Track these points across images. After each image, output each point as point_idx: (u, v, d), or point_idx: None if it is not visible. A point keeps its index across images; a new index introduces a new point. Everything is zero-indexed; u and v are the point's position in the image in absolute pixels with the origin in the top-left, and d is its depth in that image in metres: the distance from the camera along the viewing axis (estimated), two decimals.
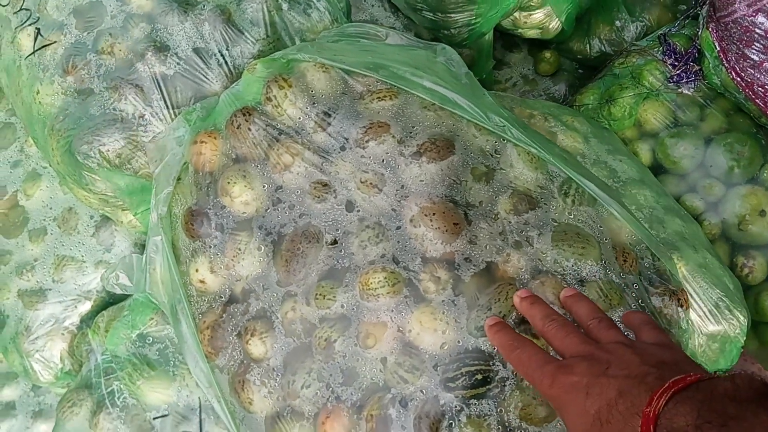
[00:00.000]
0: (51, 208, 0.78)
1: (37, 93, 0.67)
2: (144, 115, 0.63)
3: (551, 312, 0.44)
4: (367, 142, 0.53)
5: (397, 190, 0.52)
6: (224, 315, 0.53)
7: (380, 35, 0.66)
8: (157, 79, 0.64)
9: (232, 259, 0.53)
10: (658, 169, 0.86)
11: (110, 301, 0.75)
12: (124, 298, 0.75)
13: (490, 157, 0.54)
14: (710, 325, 0.68)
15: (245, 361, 0.52)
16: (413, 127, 0.54)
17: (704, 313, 0.68)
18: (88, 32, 0.66)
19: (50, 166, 0.73)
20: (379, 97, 0.56)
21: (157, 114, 0.64)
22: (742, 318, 0.68)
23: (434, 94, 0.56)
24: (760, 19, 0.75)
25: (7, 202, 0.79)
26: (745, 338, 0.70)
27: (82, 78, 0.65)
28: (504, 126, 0.55)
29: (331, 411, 0.48)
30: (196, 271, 0.54)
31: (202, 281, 0.54)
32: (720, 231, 0.82)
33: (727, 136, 0.83)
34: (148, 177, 0.65)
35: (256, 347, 0.51)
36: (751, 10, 0.76)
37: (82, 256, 0.76)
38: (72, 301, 0.74)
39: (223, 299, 0.54)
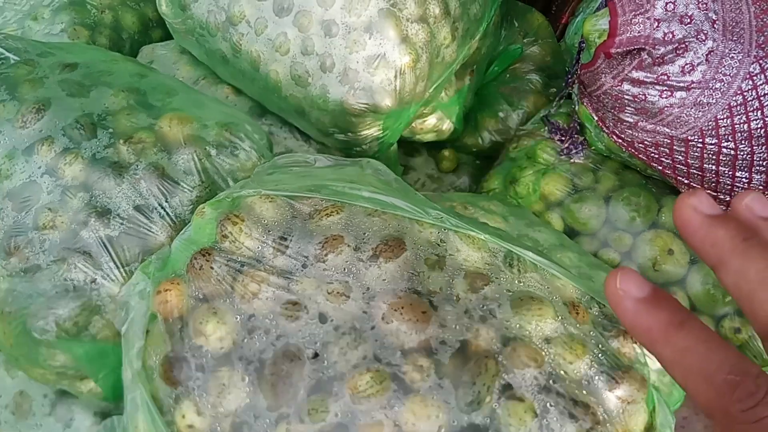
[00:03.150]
0: (0, 396, 0.75)
1: None
2: (95, 279, 0.64)
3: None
4: (326, 255, 0.57)
5: (363, 293, 0.55)
6: None
7: (309, 161, 0.72)
8: (103, 242, 0.65)
9: (218, 396, 0.54)
10: (571, 232, 0.94)
11: None
12: None
13: (437, 246, 0.60)
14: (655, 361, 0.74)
15: None
16: (364, 233, 0.59)
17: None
18: (26, 212, 0.67)
19: None
20: (326, 214, 0.60)
21: (107, 276, 0.65)
22: None
23: (374, 201, 0.61)
24: (626, 87, 0.87)
25: None
26: None
27: (26, 257, 0.65)
28: (442, 217, 0.61)
29: None
30: (183, 417, 0.54)
31: (190, 426, 0.54)
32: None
33: (622, 191, 0.94)
34: (107, 339, 0.65)
35: None
36: (616, 81, 0.88)
37: None
38: None
39: None
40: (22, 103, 0.75)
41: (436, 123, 1.15)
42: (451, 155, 1.23)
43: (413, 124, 1.12)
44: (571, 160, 0.98)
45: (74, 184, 0.69)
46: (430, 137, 1.17)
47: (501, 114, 1.22)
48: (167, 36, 1.15)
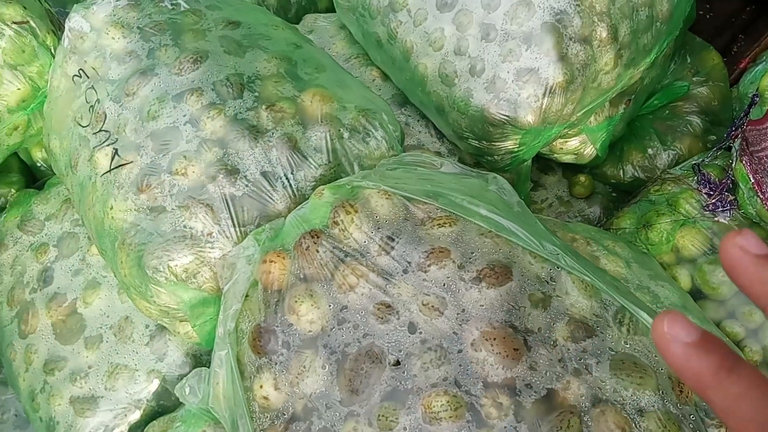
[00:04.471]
0: (108, 317, 0.80)
1: (111, 208, 0.71)
2: (212, 232, 0.67)
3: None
4: (429, 266, 0.56)
5: (458, 314, 0.54)
6: None
7: (435, 164, 0.70)
8: (226, 200, 0.68)
9: (297, 377, 0.55)
10: (697, 294, 0.87)
11: (159, 411, 0.76)
12: (174, 408, 0.76)
13: (546, 284, 0.57)
14: None
15: None
16: (472, 253, 0.57)
17: None
18: (164, 154, 0.71)
19: (113, 276, 0.76)
20: (439, 224, 0.59)
21: (224, 232, 0.67)
22: None
23: (490, 221, 0.59)
24: None
25: (66, 308, 0.82)
26: None
27: (155, 196, 0.69)
28: (558, 254, 0.58)
29: None
30: (260, 387, 0.56)
31: (265, 398, 0.56)
32: (762, 358, 0.82)
33: None
34: (210, 291, 0.68)
35: None
36: None
37: (135, 364, 0.78)
38: (122, 410, 0.76)
39: (285, 416, 0.55)
40: (182, 51, 0.79)
41: (578, 146, 1.09)
42: (587, 181, 1.18)
43: (554, 142, 1.08)
44: (715, 218, 0.91)
45: (212, 138, 0.72)
46: (568, 159, 1.12)
47: (650, 150, 1.14)
48: (332, 8, 1.17)
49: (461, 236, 0.58)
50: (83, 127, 0.78)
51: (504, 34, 0.85)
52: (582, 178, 1.18)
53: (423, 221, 0.60)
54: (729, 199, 0.92)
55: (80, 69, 0.81)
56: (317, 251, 0.58)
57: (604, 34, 0.86)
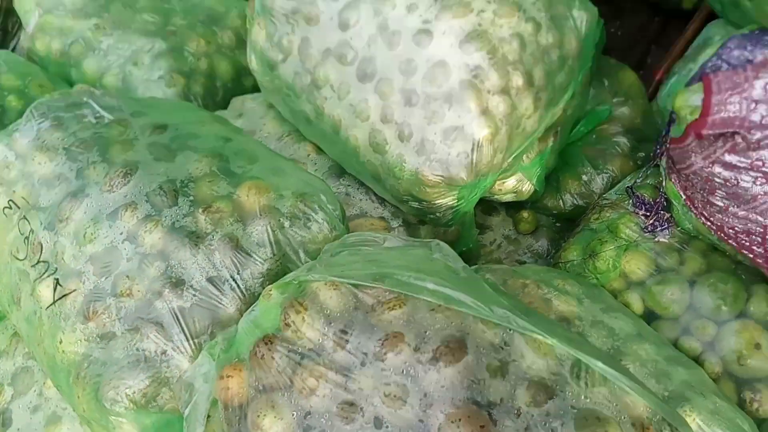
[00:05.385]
0: None
1: (60, 342, 0.70)
2: (166, 350, 0.67)
3: None
4: (385, 354, 0.57)
5: (420, 400, 0.54)
6: None
7: (379, 241, 0.72)
8: (175, 314, 0.68)
9: None
10: (650, 316, 0.90)
11: None
12: None
13: (501, 350, 0.58)
14: None
15: None
16: (425, 332, 0.58)
17: None
18: (106, 277, 0.71)
19: (72, 410, 0.75)
20: (389, 307, 0.60)
21: (178, 348, 0.67)
22: None
23: (439, 295, 0.60)
24: (717, 169, 0.82)
25: None
26: None
27: (103, 323, 0.68)
28: (508, 317, 0.59)
29: None
30: None
31: None
32: (722, 368, 0.85)
33: (709, 276, 0.88)
34: (173, 411, 0.67)
35: None
36: (707, 162, 0.83)
37: None
38: None
39: None
40: (111, 166, 0.79)
41: (515, 184, 1.12)
42: (530, 217, 1.20)
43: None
44: (656, 239, 0.94)
45: (152, 252, 0.71)
46: (509, 198, 1.15)
47: (584, 177, 1.18)
48: (258, 87, 1.19)
49: (412, 316, 0.59)
50: (20, 260, 0.76)
51: (425, 97, 0.87)
52: (525, 214, 1.20)
53: (373, 307, 0.60)
54: (666, 218, 0.95)
55: (9, 200, 0.80)
56: (273, 358, 0.58)
57: (520, 82, 0.89)
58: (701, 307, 0.87)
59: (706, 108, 0.82)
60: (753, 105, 0.80)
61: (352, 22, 0.91)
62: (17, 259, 0.76)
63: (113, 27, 1.30)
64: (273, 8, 0.97)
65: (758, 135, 0.78)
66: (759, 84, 0.80)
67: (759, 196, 0.80)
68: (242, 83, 1.36)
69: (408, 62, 0.88)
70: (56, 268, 0.73)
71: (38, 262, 0.74)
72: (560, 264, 1.02)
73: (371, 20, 0.90)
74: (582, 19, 0.94)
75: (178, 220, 0.74)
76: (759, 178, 0.79)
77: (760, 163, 0.79)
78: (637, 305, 0.91)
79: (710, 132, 0.81)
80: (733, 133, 0.80)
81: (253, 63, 1.08)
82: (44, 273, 0.73)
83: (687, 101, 0.86)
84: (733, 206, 0.83)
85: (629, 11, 1.79)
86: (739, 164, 0.80)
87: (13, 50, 1.57)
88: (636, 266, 0.92)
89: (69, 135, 0.84)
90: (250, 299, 0.71)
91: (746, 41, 0.87)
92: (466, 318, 0.60)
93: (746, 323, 0.85)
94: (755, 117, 0.79)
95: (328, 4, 0.93)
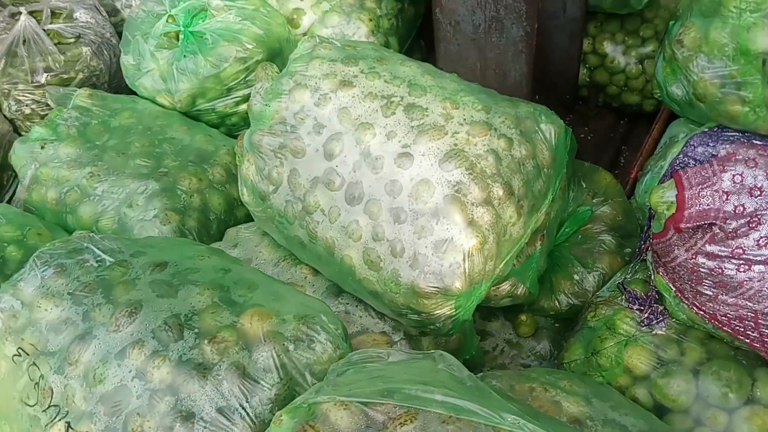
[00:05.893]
0: None
1: None
2: None
3: None
4: None
5: None
6: None
7: (383, 356, 0.73)
8: None
9: None
10: (660, 409, 0.90)
11: None
12: None
13: None
14: None
15: None
16: None
17: None
18: (117, 416, 0.71)
19: None
20: (401, 423, 0.60)
21: None
22: None
23: (448, 406, 0.61)
24: (701, 260, 0.86)
25: None
26: None
27: None
28: (518, 422, 0.60)
29: None
30: None
31: None
32: None
33: (711, 364, 0.90)
34: None
35: None
36: (690, 253, 0.87)
37: None
38: None
39: None
40: (116, 307, 0.81)
41: (510, 289, 1.15)
42: (529, 320, 1.22)
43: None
44: (653, 332, 0.96)
45: (161, 387, 0.72)
46: (505, 302, 1.17)
47: (576, 276, 1.21)
48: (251, 217, 1.23)
49: (425, 430, 0.60)
50: (31, 406, 0.77)
51: (413, 213, 0.92)
52: (523, 317, 1.22)
53: (385, 424, 0.61)
54: (659, 310, 0.97)
55: (18, 348, 0.81)
56: None
57: (501, 192, 0.94)
58: (708, 396, 0.87)
59: (680, 203, 0.86)
60: (725, 196, 0.84)
61: (336, 152, 0.97)
62: (27, 405, 0.77)
63: (107, 173, 1.35)
64: (261, 145, 1.03)
65: (734, 224, 0.83)
66: (726, 177, 0.85)
67: (744, 282, 0.83)
68: (235, 214, 1.41)
69: (393, 183, 0.93)
70: (67, 411, 0.73)
71: (49, 406, 0.75)
72: (564, 364, 1.03)
73: (354, 149, 0.96)
74: (550, 131, 1.00)
75: (185, 353, 0.75)
76: (741, 265, 0.83)
77: (740, 251, 0.83)
78: (646, 400, 0.91)
79: (688, 225, 0.85)
80: (710, 224, 0.84)
81: (245, 196, 1.13)
82: (55, 417, 0.73)
83: (662, 197, 0.91)
84: (722, 294, 0.86)
85: (595, 117, 1.89)
86: (720, 253, 0.84)
87: (8, 202, 1.62)
88: (638, 361, 0.93)
89: (72, 280, 0.87)
90: (260, 426, 0.71)
91: (707, 138, 0.93)
92: (478, 427, 0.60)
93: (755, 409, 0.85)
94: (728, 207, 0.83)
95: (312, 138, 0.99)
